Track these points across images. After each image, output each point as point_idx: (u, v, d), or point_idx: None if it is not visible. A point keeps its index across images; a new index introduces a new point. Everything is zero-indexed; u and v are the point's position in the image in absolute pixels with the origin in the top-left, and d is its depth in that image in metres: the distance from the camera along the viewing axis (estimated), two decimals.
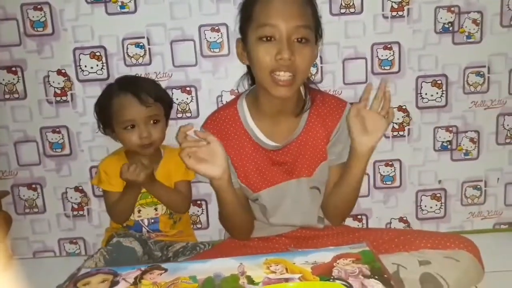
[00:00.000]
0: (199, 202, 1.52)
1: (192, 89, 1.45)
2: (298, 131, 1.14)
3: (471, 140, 1.51)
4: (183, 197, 1.34)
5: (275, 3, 0.99)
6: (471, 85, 1.47)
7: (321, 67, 1.44)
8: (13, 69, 1.42)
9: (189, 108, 1.46)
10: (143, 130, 1.23)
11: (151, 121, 1.26)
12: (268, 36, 0.99)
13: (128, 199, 1.27)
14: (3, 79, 1.43)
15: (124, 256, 1.18)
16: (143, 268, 0.89)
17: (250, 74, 1.20)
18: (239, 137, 1.13)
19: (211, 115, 1.20)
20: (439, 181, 1.53)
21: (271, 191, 1.14)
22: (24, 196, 1.50)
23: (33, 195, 1.50)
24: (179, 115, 1.46)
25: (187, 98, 1.45)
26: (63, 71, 1.43)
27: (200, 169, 1.03)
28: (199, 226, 1.54)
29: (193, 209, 1.50)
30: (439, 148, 1.51)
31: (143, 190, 1.29)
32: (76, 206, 1.51)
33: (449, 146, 1.51)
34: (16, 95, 1.44)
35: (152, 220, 1.32)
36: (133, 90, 1.24)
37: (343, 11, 1.41)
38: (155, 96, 1.26)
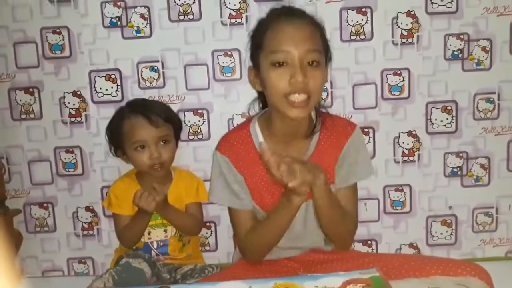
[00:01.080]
0: (208, 224, 1.52)
1: (204, 112, 1.47)
2: (309, 153, 1.14)
3: (482, 166, 1.50)
4: (194, 219, 1.34)
5: (286, 29, 1.02)
6: (481, 111, 1.48)
7: (331, 92, 1.46)
8: (30, 90, 1.46)
9: (200, 131, 1.48)
10: (154, 151, 1.25)
11: (161, 142, 1.27)
12: (280, 61, 1.01)
13: (139, 225, 1.28)
14: (20, 100, 1.46)
15: (132, 277, 1.18)
16: None
17: (261, 99, 1.22)
18: (251, 159, 1.14)
19: (224, 136, 1.21)
20: (450, 207, 1.52)
21: None
22: (35, 214, 1.52)
23: (45, 214, 1.52)
24: (191, 137, 1.48)
25: (199, 121, 1.48)
26: (78, 92, 1.46)
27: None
28: (207, 248, 1.54)
29: (201, 231, 1.50)
30: (449, 174, 1.51)
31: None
32: (86, 226, 1.53)
33: (459, 172, 1.51)
34: (32, 116, 1.47)
35: (162, 243, 1.32)
36: (143, 111, 1.27)
37: (353, 37, 1.44)
38: (165, 117, 1.29)
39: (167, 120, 1.29)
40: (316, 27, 1.06)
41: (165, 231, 1.32)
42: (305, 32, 1.02)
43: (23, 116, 1.47)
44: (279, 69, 1.01)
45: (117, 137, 1.30)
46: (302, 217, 1.14)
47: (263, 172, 1.14)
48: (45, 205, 1.52)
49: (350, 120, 1.23)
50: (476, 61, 1.46)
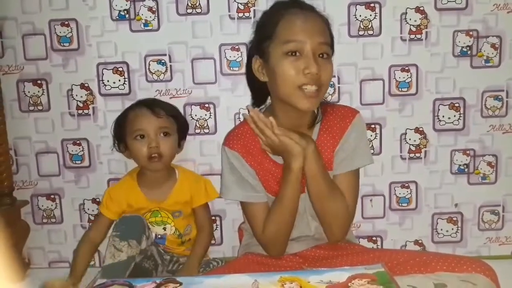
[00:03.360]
0: (213, 217, 1.53)
1: (211, 106, 1.47)
2: None
3: (489, 164, 1.50)
4: (208, 232, 1.36)
5: (299, 21, 1.04)
6: (489, 108, 1.47)
7: (339, 87, 1.46)
8: (39, 82, 1.47)
9: (207, 124, 1.48)
10: (152, 140, 1.25)
11: (162, 134, 1.27)
12: (294, 51, 1.03)
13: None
14: (29, 92, 1.47)
15: (132, 225, 1.19)
16: (158, 281, 0.89)
17: (255, 95, 1.22)
18: (258, 153, 1.15)
19: (230, 132, 1.22)
20: (456, 205, 1.52)
21: None
22: (42, 206, 1.53)
23: (52, 205, 1.53)
24: (197, 131, 1.48)
25: (206, 115, 1.48)
26: (86, 85, 1.47)
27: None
28: (212, 242, 1.54)
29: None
30: (456, 171, 1.50)
31: (154, 208, 1.31)
32: (92, 218, 1.53)
33: (466, 170, 1.50)
34: (40, 107, 1.48)
35: (160, 236, 1.33)
36: (147, 103, 1.29)
37: (361, 33, 1.43)
38: (168, 111, 1.30)
39: (170, 115, 1.30)
40: (325, 21, 1.09)
41: (164, 228, 1.33)
42: (318, 25, 1.05)
43: (31, 108, 1.48)
44: (292, 58, 1.03)
45: (121, 128, 1.31)
46: (308, 206, 1.15)
47: (269, 165, 1.15)
48: (52, 196, 1.53)
49: (352, 108, 1.22)
50: (485, 58, 1.45)
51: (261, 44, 1.10)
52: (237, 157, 1.15)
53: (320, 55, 1.04)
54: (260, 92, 1.18)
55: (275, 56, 1.05)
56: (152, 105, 1.29)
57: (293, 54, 1.03)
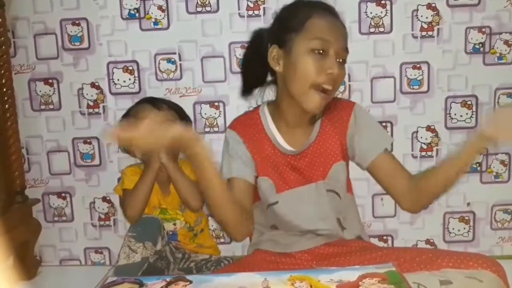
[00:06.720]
0: None
1: (220, 104, 1.47)
2: (313, 137, 1.16)
3: (502, 162, 1.48)
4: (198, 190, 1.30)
5: (330, 23, 1.05)
6: (503, 106, 1.45)
7: (349, 85, 1.45)
8: (50, 81, 1.48)
9: (216, 123, 1.48)
10: None
11: None
12: (320, 49, 1.03)
13: (143, 185, 1.24)
14: (40, 91, 1.49)
15: (148, 226, 1.19)
16: (168, 279, 0.89)
17: (250, 83, 1.21)
18: (260, 139, 1.15)
19: (235, 118, 1.22)
20: (468, 204, 1.50)
21: (291, 193, 1.14)
22: (53, 204, 1.55)
23: (63, 203, 1.54)
24: (207, 129, 1.48)
25: (215, 113, 1.48)
26: (96, 84, 1.48)
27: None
28: (222, 240, 1.55)
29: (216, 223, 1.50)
30: (468, 169, 1.48)
31: (162, 206, 1.32)
32: (103, 216, 1.54)
33: (478, 168, 1.48)
34: (51, 106, 1.49)
35: (171, 233, 1.33)
36: (148, 99, 1.32)
37: (372, 30, 1.42)
38: (169, 105, 1.31)
39: (172, 108, 1.31)
40: (345, 27, 1.11)
41: (174, 224, 1.33)
42: (343, 31, 1.07)
43: (43, 107, 1.50)
44: (317, 56, 1.03)
45: None
46: (312, 199, 1.14)
47: (270, 153, 1.15)
48: (63, 195, 1.54)
49: (349, 100, 1.23)
50: (498, 55, 1.43)
51: (284, 35, 1.09)
52: (235, 135, 1.15)
53: (339, 60, 1.05)
54: (253, 81, 1.18)
55: (299, 50, 1.05)
56: (153, 99, 1.31)
57: (319, 52, 1.03)
